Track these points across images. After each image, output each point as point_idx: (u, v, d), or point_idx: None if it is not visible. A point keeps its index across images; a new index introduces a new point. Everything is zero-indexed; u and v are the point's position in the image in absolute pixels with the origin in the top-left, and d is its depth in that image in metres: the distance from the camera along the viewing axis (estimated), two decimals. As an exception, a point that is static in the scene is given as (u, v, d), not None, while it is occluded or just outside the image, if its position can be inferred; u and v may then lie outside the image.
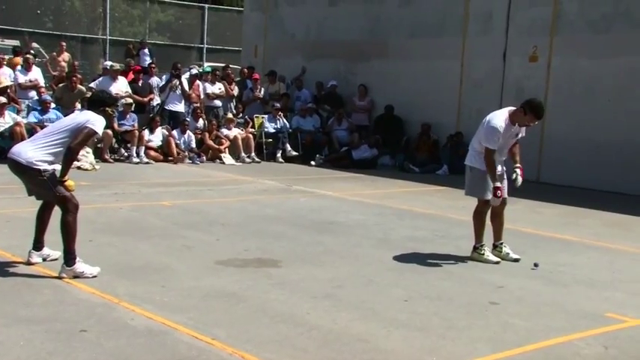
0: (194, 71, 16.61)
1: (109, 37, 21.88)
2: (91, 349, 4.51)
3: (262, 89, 16.80)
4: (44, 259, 6.32)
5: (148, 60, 17.91)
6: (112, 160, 13.56)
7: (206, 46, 24.15)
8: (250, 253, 7.10)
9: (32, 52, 15.85)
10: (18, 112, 13.37)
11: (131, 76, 15.56)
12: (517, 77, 14.12)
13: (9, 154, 6.12)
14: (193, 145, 14.48)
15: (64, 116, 13.54)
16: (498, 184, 7.07)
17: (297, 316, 5.30)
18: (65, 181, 5.99)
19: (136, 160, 13.60)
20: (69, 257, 5.86)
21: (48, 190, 5.93)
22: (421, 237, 8.35)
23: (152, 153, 13.98)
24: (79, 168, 12.58)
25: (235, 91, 16.54)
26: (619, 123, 12.56)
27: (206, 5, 25.33)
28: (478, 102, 14.56)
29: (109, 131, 13.74)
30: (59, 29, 20.94)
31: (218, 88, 16.08)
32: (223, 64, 18.58)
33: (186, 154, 14.26)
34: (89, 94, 14.27)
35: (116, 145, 13.92)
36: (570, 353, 4.86)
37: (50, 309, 5.24)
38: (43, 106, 13.46)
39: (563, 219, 10.17)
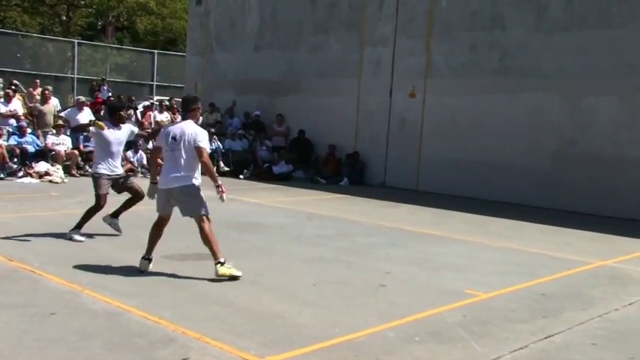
0: (147, 103, 16.46)
1: (76, 76, 21.55)
2: (58, 329, 4.38)
3: (201, 118, 16.64)
4: None
5: (107, 94, 17.48)
6: (78, 175, 13.12)
7: (156, 83, 23.86)
8: (190, 249, 6.96)
9: (13, 87, 15.15)
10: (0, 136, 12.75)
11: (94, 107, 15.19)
12: (400, 109, 14.34)
13: None
14: (145, 161, 14.13)
15: (35, 136, 13.25)
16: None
17: (227, 299, 5.25)
18: None
19: (97, 174, 13.23)
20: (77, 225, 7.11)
21: None
22: (326, 234, 8.34)
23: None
24: (50, 181, 12.12)
25: (178, 119, 16.37)
26: (475, 144, 12.95)
27: (155, 51, 25.26)
28: (371, 129, 14.85)
29: (76, 151, 13.36)
30: (36, 69, 20.52)
31: (165, 116, 15.89)
32: (169, 98, 18.38)
33: (139, 169, 13.94)
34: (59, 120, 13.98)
35: (82, 163, 13.53)
36: (439, 321, 4.98)
37: (25, 296, 5.06)
38: (20, 132, 13.06)
39: (434, 219, 10.32)
